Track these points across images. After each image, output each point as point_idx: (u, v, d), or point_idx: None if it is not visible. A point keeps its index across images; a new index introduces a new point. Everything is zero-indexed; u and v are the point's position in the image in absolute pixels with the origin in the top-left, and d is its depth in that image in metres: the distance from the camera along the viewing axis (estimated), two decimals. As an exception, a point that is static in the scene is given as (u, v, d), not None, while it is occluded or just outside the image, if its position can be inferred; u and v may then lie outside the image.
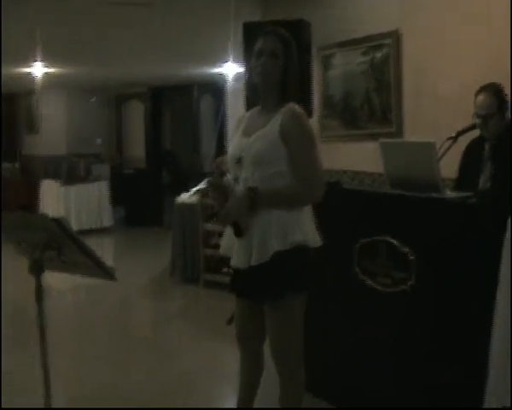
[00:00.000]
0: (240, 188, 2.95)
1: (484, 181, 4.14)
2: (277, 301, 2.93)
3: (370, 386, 3.73)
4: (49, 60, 8.42)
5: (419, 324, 3.46)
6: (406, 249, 3.46)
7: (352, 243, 3.77)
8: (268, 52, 2.98)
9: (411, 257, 3.43)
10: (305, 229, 2.93)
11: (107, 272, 2.52)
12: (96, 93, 13.24)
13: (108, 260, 10.64)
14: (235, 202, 2.90)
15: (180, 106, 12.91)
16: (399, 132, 5.61)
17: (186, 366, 5.02)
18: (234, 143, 3.12)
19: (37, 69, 8.62)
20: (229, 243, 3.06)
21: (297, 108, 2.99)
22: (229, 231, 3.05)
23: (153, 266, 8.66)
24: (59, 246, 2.49)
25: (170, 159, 13.18)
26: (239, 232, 2.93)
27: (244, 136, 3.07)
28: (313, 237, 2.99)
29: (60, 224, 2.37)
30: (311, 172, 2.92)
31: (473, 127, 4.15)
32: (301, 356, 3.06)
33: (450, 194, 3.55)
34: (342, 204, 3.97)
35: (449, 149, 4.04)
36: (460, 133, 4.10)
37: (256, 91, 3.11)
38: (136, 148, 13.39)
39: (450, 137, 4.07)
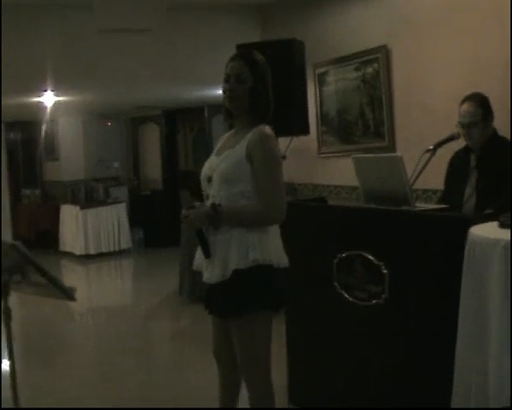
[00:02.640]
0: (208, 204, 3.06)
1: (469, 192, 4.15)
2: (239, 317, 3.00)
3: (351, 395, 3.79)
4: (59, 88, 8.60)
5: (393, 336, 3.49)
6: (380, 263, 3.50)
7: (331, 258, 3.82)
8: (234, 77, 3.06)
9: (384, 271, 3.47)
10: (267, 248, 2.98)
11: (66, 292, 2.60)
12: (111, 117, 13.44)
13: (127, 282, 10.98)
14: (196, 212, 3.01)
15: (194, 127, 13.06)
16: (392, 146, 5.65)
17: (190, 381, 5.20)
18: (206, 163, 3.21)
19: (48, 98, 8.81)
20: (200, 258, 3.14)
21: (266, 129, 3.05)
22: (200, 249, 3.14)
23: (168, 286, 8.77)
24: (21, 269, 2.58)
25: (189, 178, 13.30)
26: (206, 253, 3.03)
27: (216, 155, 3.17)
28: (278, 258, 3.04)
29: (17, 249, 2.46)
30: (271, 194, 2.98)
31: (451, 138, 4.16)
32: (267, 370, 3.11)
33: (420, 206, 3.59)
34: (323, 220, 4.05)
35: (429, 161, 4.07)
36: (438, 145, 4.10)
37: (230, 114, 3.20)
38: (153, 169, 13.56)
39: (429, 150, 4.09)
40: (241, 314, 2.99)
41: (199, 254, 3.14)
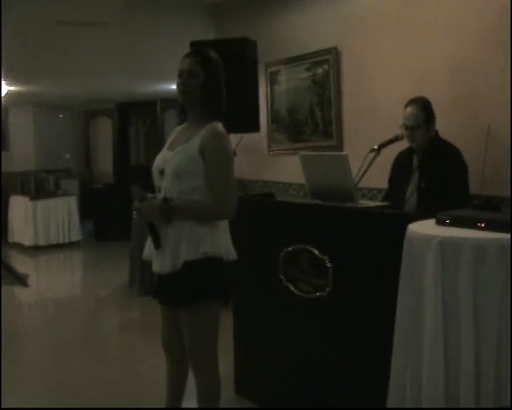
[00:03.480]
0: (160, 196, 3.15)
1: (411, 191, 4.32)
2: (188, 306, 3.11)
3: (297, 387, 3.92)
4: (12, 78, 8.55)
5: (337, 328, 3.63)
6: (324, 257, 3.64)
7: (278, 252, 3.95)
8: (187, 72, 3.18)
9: (328, 264, 3.61)
10: (217, 242, 3.10)
11: (20, 279, 2.67)
12: (63, 109, 13.38)
13: (77, 274, 10.96)
14: (148, 204, 3.11)
15: (147, 121, 13.10)
16: (339, 145, 5.79)
17: (139, 372, 5.26)
18: (159, 156, 3.30)
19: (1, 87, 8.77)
20: (151, 248, 3.23)
21: (219, 126, 3.16)
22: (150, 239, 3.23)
23: (118, 279, 8.82)
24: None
25: (141, 173, 13.32)
26: (157, 245, 3.13)
27: (169, 149, 3.26)
28: (227, 251, 3.16)
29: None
30: (223, 190, 3.10)
31: (395, 139, 4.33)
32: (214, 358, 3.23)
33: (364, 203, 3.74)
34: (271, 215, 4.17)
35: (373, 160, 4.22)
36: (382, 145, 4.26)
37: (183, 109, 3.31)
38: (105, 163, 13.56)
39: (373, 149, 4.25)
40: (191, 303, 3.10)
41: (149, 244, 3.23)
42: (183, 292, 3.10)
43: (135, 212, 3.15)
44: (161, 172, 3.18)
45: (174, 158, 3.14)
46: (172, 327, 3.29)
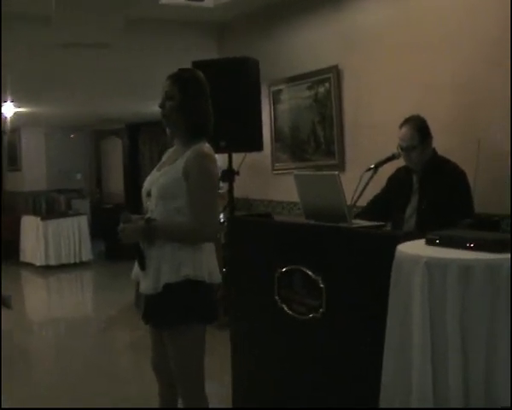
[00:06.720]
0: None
1: (410, 212, 4.27)
2: (170, 329, 3.08)
3: (291, 406, 3.87)
4: (20, 100, 8.61)
5: (330, 349, 3.58)
6: (317, 278, 3.59)
7: (273, 272, 3.91)
8: (164, 95, 3.17)
9: (321, 285, 3.56)
10: (200, 264, 3.06)
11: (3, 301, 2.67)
12: (74, 130, 13.47)
13: (87, 293, 10.96)
14: (131, 226, 3.14)
15: (160, 141, 13.11)
16: (342, 164, 5.76)
17: (138, 391, 5.27)
18: (148, 177, 3.30)
19: (8, 109, 8.83)
20: (138, 269, 3.22)
21: (205, 147, 3.14)
22: None
23: (128, 298, 8.80)
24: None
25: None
26: (141, 266, 3.12)
27: (157, 170, 3.25)
28: (210, 273, 3.12)
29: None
30: (203, 212, 3.05)
31: (392, 158, 4.29)
32: (200, 382, 3.18)
33: (358, 223, 3.69)
34: (265, 235, 4.14)
35: (370, 179, 4.18)
36: (379, 164, 4.23)
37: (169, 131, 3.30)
38: (116, 183, 13.60)
39: (369, 169, 4.21)
40: (172, 326, 3.07)
41: (136, 265, 3.22)
42: (164, 315, 3.08)
43: (119, 233, 3.13)
44: (148, 194, 3.17)
45: (159, 179, 3.13)
46: (160, 348, 3.25)
